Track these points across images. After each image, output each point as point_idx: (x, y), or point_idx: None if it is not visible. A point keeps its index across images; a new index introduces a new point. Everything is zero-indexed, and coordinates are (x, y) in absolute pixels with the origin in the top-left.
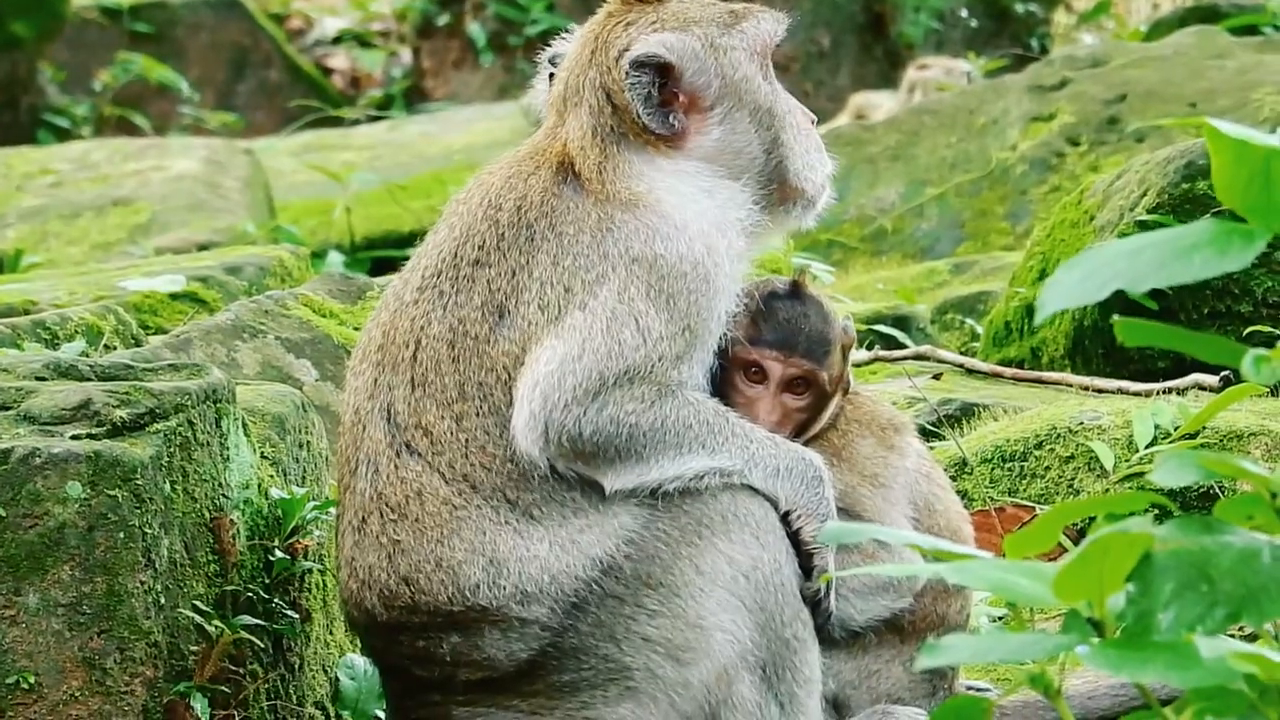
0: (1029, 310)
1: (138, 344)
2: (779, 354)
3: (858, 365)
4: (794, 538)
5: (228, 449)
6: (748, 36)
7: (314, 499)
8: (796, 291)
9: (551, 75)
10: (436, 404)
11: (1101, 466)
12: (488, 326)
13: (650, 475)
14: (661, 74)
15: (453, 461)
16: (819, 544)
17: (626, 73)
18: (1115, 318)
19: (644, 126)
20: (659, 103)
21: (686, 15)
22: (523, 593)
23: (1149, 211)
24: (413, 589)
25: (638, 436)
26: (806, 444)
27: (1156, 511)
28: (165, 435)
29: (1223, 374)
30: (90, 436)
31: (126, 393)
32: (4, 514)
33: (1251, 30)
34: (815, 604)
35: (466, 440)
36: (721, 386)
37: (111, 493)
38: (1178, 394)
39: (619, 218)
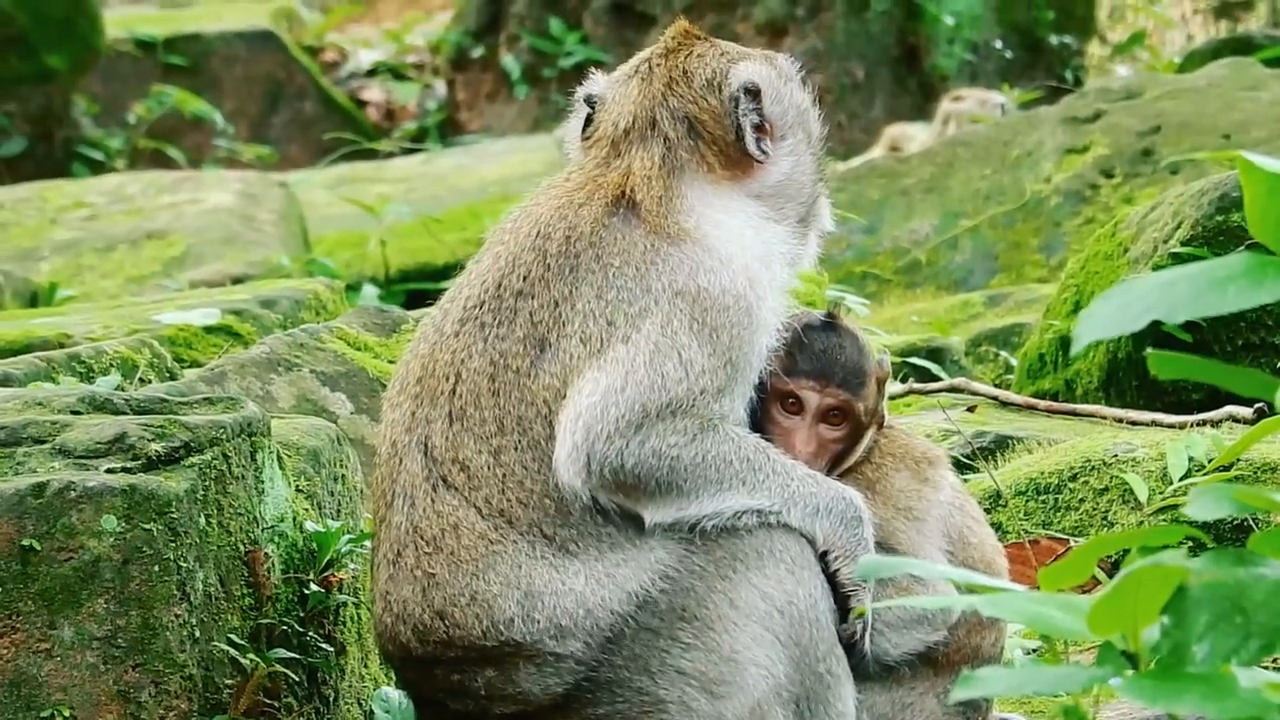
0: (1063, 342)
1: (172, 377)
2: (815, 384)
3: (892, 398)
4: (831, 577)
5: (262, 482)
6: (794, 70)
7: (349, 532)
8: (832, 323)
9: (591, 114)
10: (475, 438)
11: (1136, 499)
12: (529, 360)
13: (690, 510)
14: (757, 101)
15: (490, 496)
16: (856, 584)
17: (736, 100)
18: (1149, 350)
19: (743, 152)
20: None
21: (743, 50)
22: (558, 627)
23: (1183, 244)
24: (447, 623)
25: (679, 470)
26: (841, 477)
27: (1191, 544)
28: (200, 469)
29: (1257, 406)
30: (125, 470)
31: (161, 426)
32: (39, 547)
33: None
34: (850, 645)
35: (504, 475)
36: (759, 418)
37: (146, 526)
38: (1212, 426)
39: (665, 250)
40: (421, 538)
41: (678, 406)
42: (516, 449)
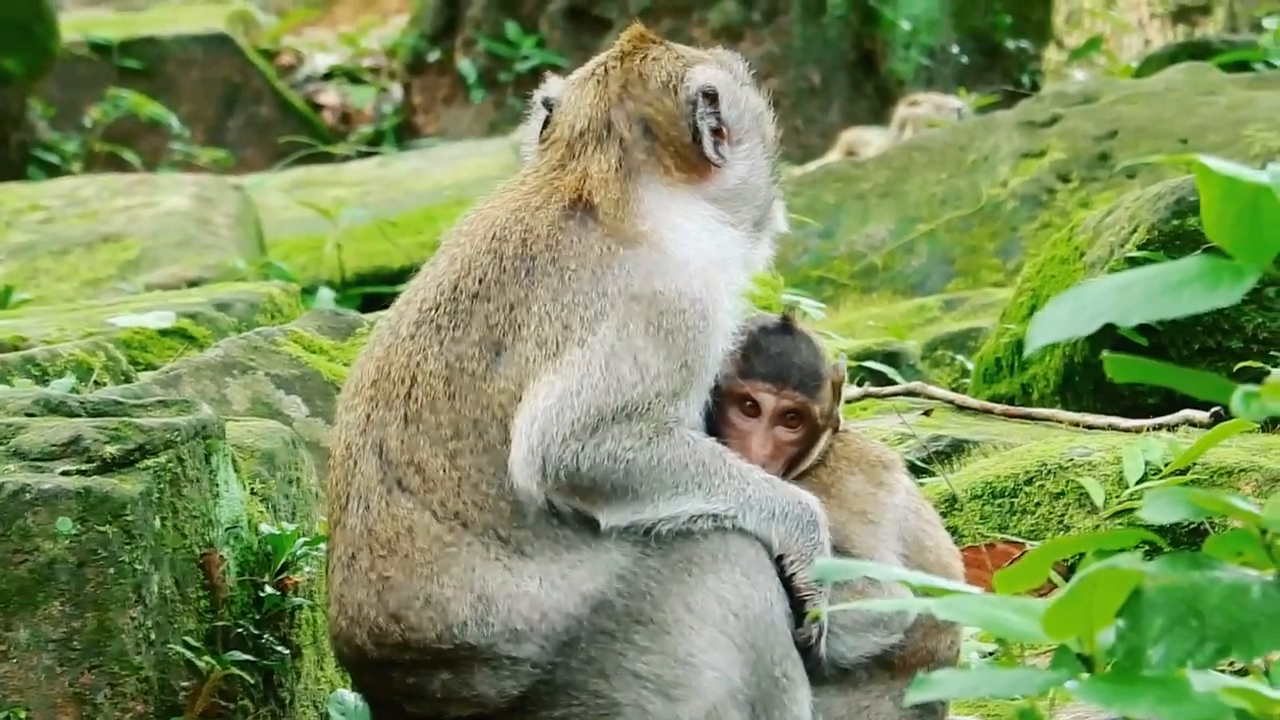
0: (1019, 347)
1: (128, 380)
2: (772, 387)
3: (848, 401)
4: (787, 581)
5: (217, 485)
6: (748, 72)
7: (304, 535)
8: (787, 326)
9: (548, 117)
10: (430, 441)
11: (1092, 503)
12: (484, 363)
13: (645, 514)
14: (714, 105)
15: (445, 499)
16: (813, 588)
17: (694, 103)
18: (1105, 354)
19: (700, 156)
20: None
21: (698, 53)
22: (512, 630)
23: (1139, 248)
24: (402, 626)
25: (634, 473)
26: (796, 480)
27: (1147, 548)
28: (155, 471)
29: (1213, 410)
30: (80, 473)
31: (116, 429)
32: None
33: (1243, 66)
34: (806, 649)
35: (460, 478)
36: (715, 421)
37: (101, 529)
38: (1168, 430)
39: (621, 253)
40: (376, 541)
41: (633, 410)
42: (472, 452)
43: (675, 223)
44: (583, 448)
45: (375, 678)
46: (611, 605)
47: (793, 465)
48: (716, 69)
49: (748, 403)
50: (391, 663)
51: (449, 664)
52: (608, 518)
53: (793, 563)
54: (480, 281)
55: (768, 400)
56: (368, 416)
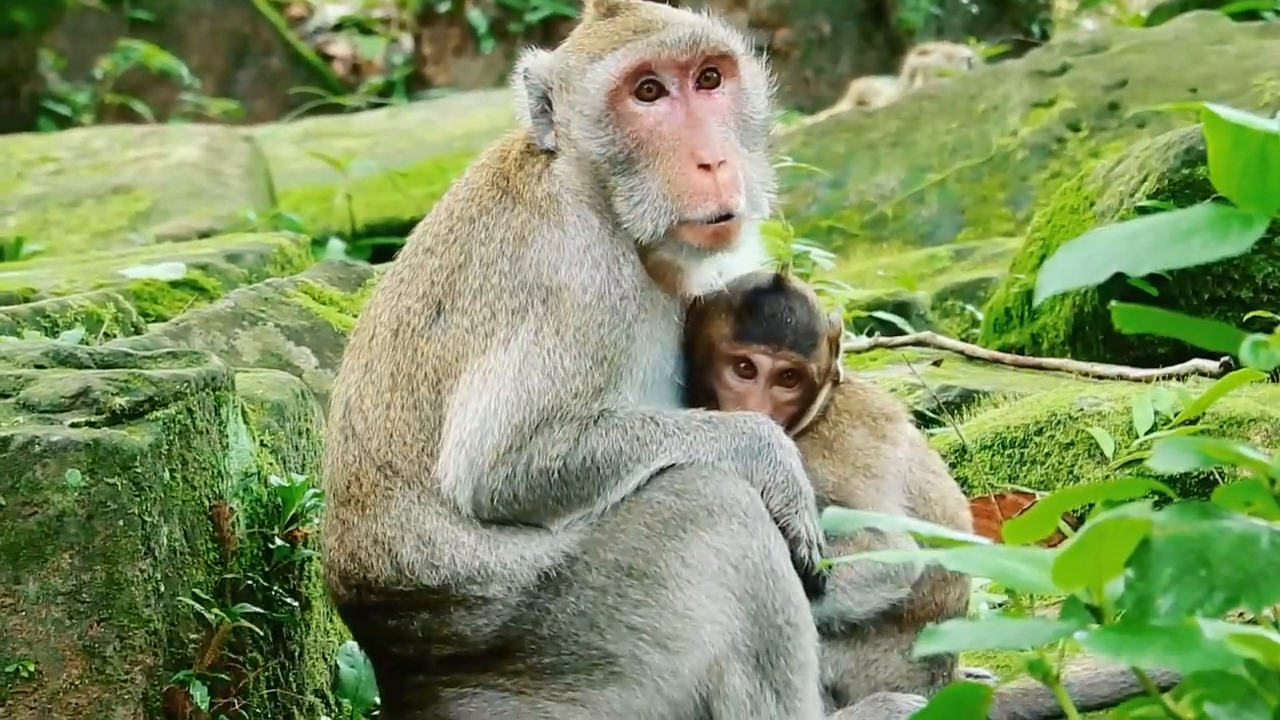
0: (1029, 296)
1: (138, 332)
2: (767, 347)
3: (858, 352)
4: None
5: (227, 437)
6: (601, 71)
7: (313, 486)
8: (779, 285)
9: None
10: (375, 389)
11: (1101, 453)
12: (425, 319)
13: (596, 509)
14: (543, 91)
15: (379, 447)
16: (785, 512)
17: (521, 79)
18: (1114, 304)
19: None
20: (544, 118)
21: (581, 41)
22: (466, 574)
23: (1149, 197)
24: (360, 566)
25: (571, 481)
26: (798, 436)
27: (1156, 497)
28: (164, 423)
29: (1223, 360)
30: (89, 424)
31: (126, 380)
32: (3, 502)
33: (1252, 15)
34: (810, 588)
35: (390, 430)
36: (708, 383)
37: (111, 481)
38: (1178, 380)
39: (532, 225)
40: (335, 486)
41: (551, 415)
42: (403, 407)
43: (569, 197)
44: (513, 470)
45: (358, 622)
46: (590, 555)
47: (793, 423)
48: (554, 59)
49: (743, 364)
50: (364, 606)
51: (425, 605)
52: (556, 525)
53: (762, 492)
54: (434, 236)
55: (764, 361)
56: (348, 365)
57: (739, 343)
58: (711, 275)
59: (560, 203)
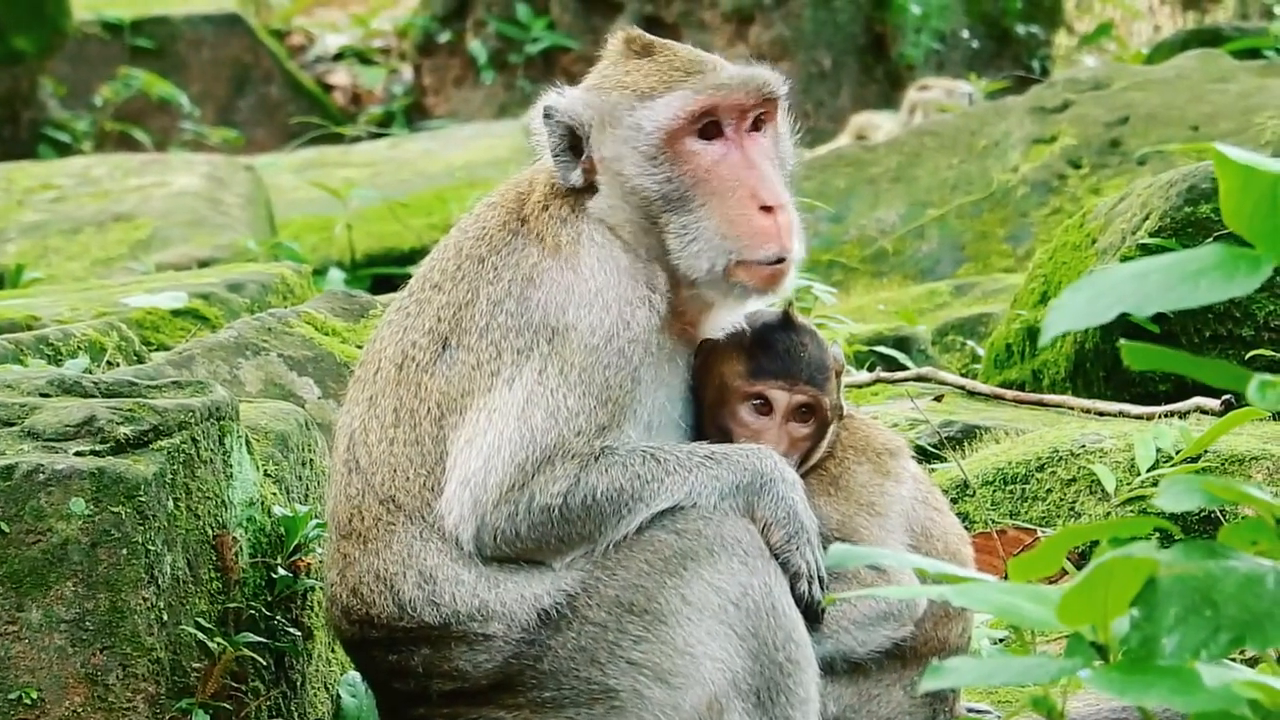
0: (1030, 332)
1: (140, 360)
2: (784, 384)
3: (859, 386)
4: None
5: (231, 466)
6: (661, 110)
7: (316, 517)
8: (789, 321)
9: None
10: (379, 424)
11: (1103, 489)
12: (430, 355)
13: (598, 547)
14: (569, 129)
15: (382, 482)
16: (788, 548)
17: (541, 119)
18: (1122, 342)
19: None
20: (567, 156)
21: (621, 79)
22: (466, 615)
23: (1151, 235)
24: (362, 601)
25: (572, 518)
26: (806, 474)
27: (1160, 536)
28: (169, 452)
29: (1224, 398)
30: (94, 453)
31: (130, 410)
32: (7, 530)
33: (1254, 54)
34: (806, 607)
35: (394, 465)
36: (721, 421)
37: (115, 509)
38: (1179, 417)
39: (543, 267)
40: (338, 519)
41: (553, 453)
42: (405, 442)
43: (592, 240)
44: (516, 509)
45: (360, 656)
46: (592, 592)
47: (805, 458)
48: (589, 95)
49: (759, 401)
50: (366, 641)
51: (426, 640)
52: (560, 563)
53: (763, 528)
54: (442, 273)
55: (780, 397)
56: (352, 397)
57: (755, 380)
58: (735, 318)
59: (581, 245)
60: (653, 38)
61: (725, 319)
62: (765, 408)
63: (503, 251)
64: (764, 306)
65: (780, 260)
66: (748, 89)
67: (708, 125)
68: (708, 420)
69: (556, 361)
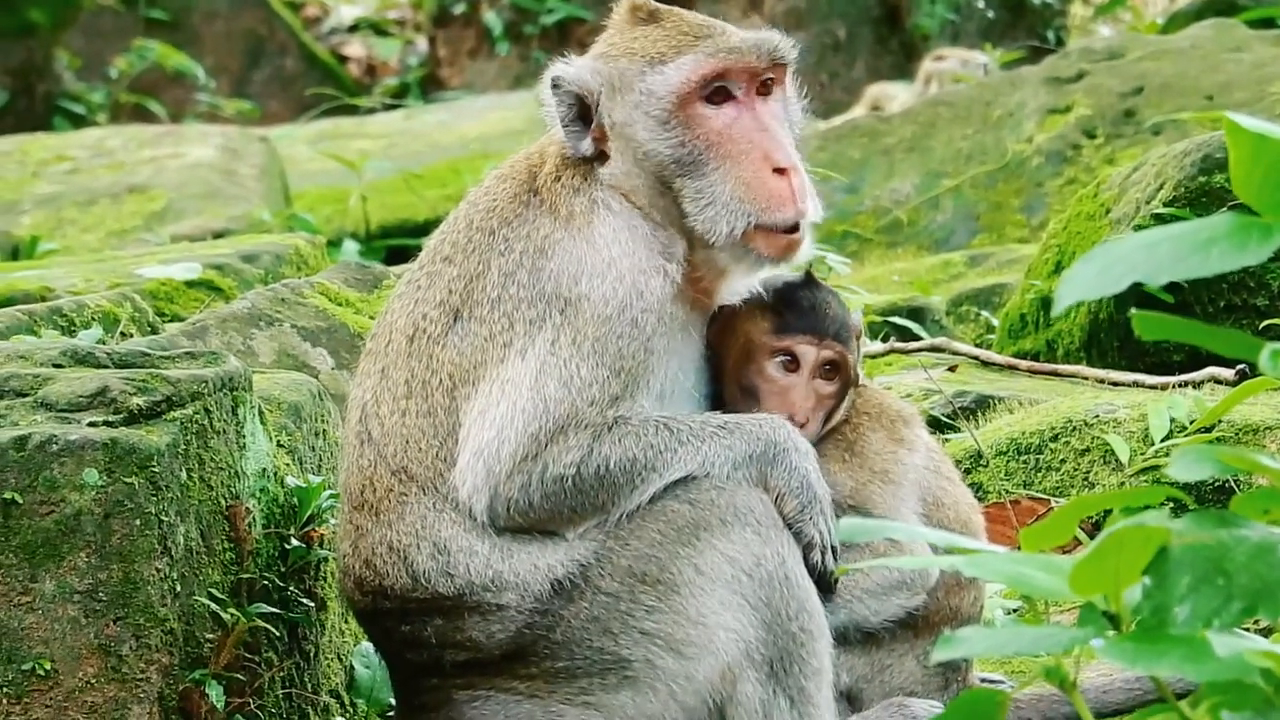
0: (1044, 303)
1: (154, 331)
2: (812, 338)
3: (873, 356)
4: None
5: (244, 437)
6: (672, 75)
7: (329, 487)
8: (812, 280)
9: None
10: (391, 396)
11: (1117, 459)
12: (441, 327)
13: (611, 517)
14: (578, 98)
15: (395, 452)
16: (801, 518)
17: (549, 89)
18: (1133, 311)
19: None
20: (577, 125)
21: (629, 46)
22: (480, 586)
23: (1165, 205)
24: (375, 573)
25: (585, 488)
26: (822, 439)
27: (1172, 505)
28: (182, 423)
29: (1238, 367)
30: (107, 424)
31: (144, 380)
32: (20, 501)
33: (1269, 23)
34: (819, 578)
35: (406, 436)
36: (747, 380)
37: (128, 480)
38: (1193, 387)
39: (556, 238)
40: (350, 490)
41: (566, 423)
42: (418, 413)
43: (605, 209)
44: (529, 480)
45: (372, 627)
46: (606, 562)
47: (829, 418)
48: (596, 64)
49: (786, 358)
50: (379, 611)
51: (439, 611)
52: (573, 533)
53: (775, 499)
54: (453, 245)
55: (809, 353)
56: (364, 369)
57: (782, 335)
58: (751, 285)
59: (595, 214)
60: (659, 4)
61: (740, 286)
62: (792, 364)
63: (514, 223)
64: (780, 273)
65: (794, 228)
66: (759, 52)
67: (718, 89)
68: (730, 383)
69: (570, 331)
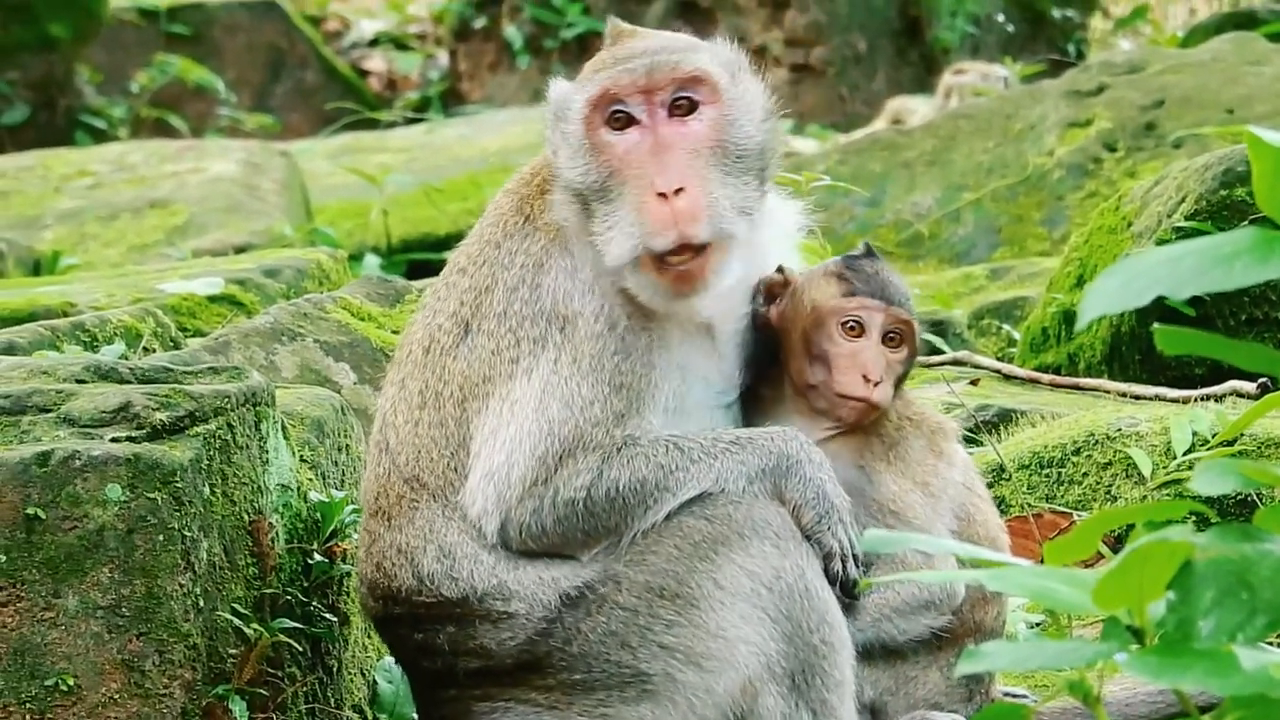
0: (1066, 316)
1: (176, 346)
2: (880, 303)
3: None
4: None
5: (267, 452)
6: (578, 100)
7: (352, 502)
8: (872, 253)
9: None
10: (406, 406)
11: (1139, 473)
12: (453, 338)
13: (625, 539)
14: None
15: (408, 461)
16: (819, 529)
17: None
18: (1155, 325)
19: None
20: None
21: (583, 70)
22: (485, 592)
23: (1187, 218)
24: (385, 575)
25: (597, 511)
26: (864, 435)
27: (1195, 519)
28: (205, 438)
29: (1260, 381)
30: (130, 439)
31: (166, 395)
32: (44, 516)
33: None
34: (842, 586)
35: (419, 446)
36: (818, 348)
37: (151, 495)
38: (1215, 401)
39: (548, 252)
40: (367, 498)
41: (573, 445)
42: (429, 423)
43: (575, 226)
44: (540, 504)
45: (388, 634)
46: (600, 587)
47: (896, 389)
48: (568, 85)
49: (852, 325)
50: (392, 618)
51: (449, 617)
52: (586, 556)
53: (794, 510)
54: (466, 257)
55: (875, 317)
56: (389, 379)
57: (850, 299)
58: (738, 304)
59: (566, 230)
60: (631, 27)
61: (732, 278)
62: (858, 330)
63: (515, 237)
64: (697, 305)
65: (684, 249)
66: (640, 72)
67: (616, 113)
68: (799, 357)
69: (569, 350)
